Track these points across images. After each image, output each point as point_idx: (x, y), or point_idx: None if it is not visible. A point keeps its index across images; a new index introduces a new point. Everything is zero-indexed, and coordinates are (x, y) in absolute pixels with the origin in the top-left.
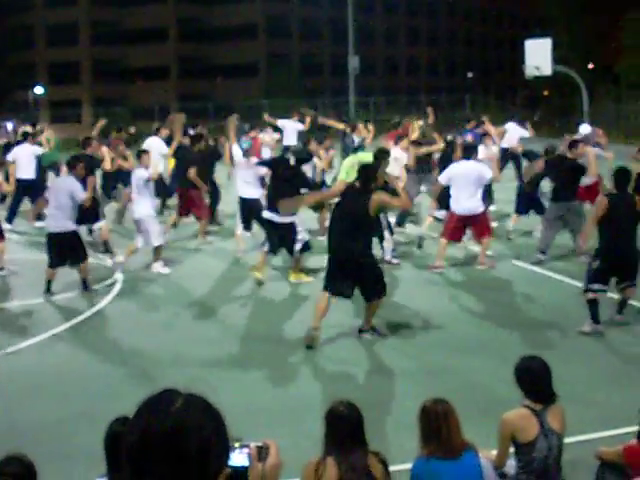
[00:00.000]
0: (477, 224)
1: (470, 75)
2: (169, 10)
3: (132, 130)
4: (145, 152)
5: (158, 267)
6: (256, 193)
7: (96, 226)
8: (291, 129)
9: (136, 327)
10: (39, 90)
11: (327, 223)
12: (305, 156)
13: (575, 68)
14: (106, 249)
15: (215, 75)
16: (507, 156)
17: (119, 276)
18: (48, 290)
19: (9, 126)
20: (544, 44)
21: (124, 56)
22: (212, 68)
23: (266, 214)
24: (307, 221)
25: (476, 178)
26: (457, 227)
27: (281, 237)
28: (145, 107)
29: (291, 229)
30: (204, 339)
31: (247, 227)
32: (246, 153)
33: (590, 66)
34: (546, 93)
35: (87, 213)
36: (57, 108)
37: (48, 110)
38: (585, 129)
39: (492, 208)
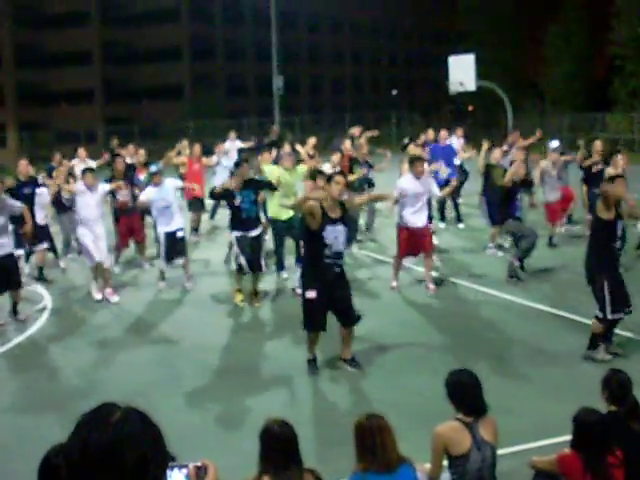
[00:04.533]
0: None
1: (395, 92)
2: (93, 33)
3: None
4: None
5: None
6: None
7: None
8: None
9: (67, 352)
10: None
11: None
12: None
13: (498, 83)
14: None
15: (140, 97)
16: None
17: (49, 301)
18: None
19: None
20: (467, 60)
21: (48, 79)
22: (137, 91)
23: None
24: None
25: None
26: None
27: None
28: (71, 131)
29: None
30: (137, 362)
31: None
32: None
33: (513, 80)
34: (471, 108)
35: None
36: None
37: None
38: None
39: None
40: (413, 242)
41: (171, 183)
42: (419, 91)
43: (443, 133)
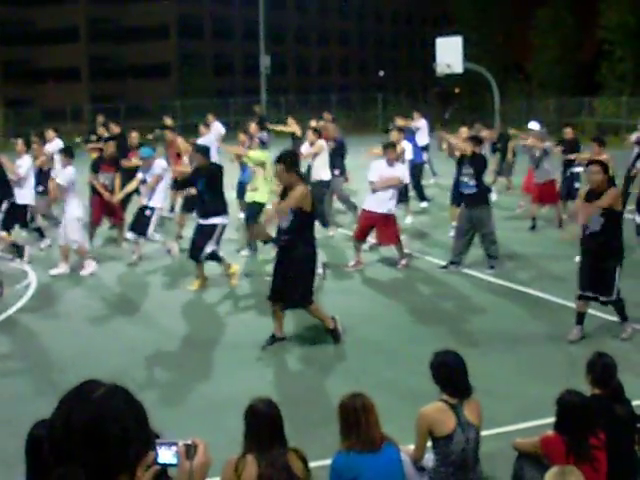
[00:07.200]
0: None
1: (381, 74)
2: (80, 10)
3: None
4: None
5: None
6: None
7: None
8: None
9: (50, 330)
10: None
11: None
12: None
13: (486, 66)
14: (19, 253)
15: (127, 76)
16: None
17: (33, 278)
18: None
19: None
20: (455, 42)
21: (34, 57)
22: (124, 69)
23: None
24: None
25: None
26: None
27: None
28: (57, 108)
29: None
30: (121, 340)
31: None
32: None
33: (500, 63)
34: (457, 91)
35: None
36: None
37: None
38: (534, 125)
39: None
40: (368, 226)
41: (160, 164)
42: (406, 73)
43: (399, 120)
